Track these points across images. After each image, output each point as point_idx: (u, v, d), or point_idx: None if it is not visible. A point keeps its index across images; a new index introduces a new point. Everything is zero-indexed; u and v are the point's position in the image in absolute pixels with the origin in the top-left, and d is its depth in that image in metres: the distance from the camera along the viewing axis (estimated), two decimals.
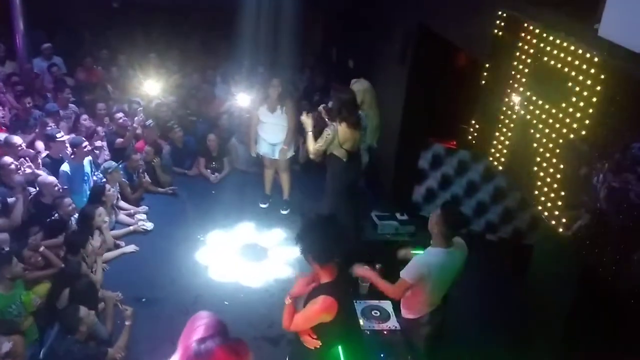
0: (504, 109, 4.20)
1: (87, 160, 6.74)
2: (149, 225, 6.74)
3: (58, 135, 6.69)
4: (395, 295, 3.97)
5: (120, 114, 7.98)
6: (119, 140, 7.66)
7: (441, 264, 3.86)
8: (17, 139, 6.44)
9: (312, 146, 5.73)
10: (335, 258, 3.36)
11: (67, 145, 6.75)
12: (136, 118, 7.74)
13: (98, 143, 7.49)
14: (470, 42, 5.33)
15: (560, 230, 3.42)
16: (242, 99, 8.11)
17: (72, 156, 6.59)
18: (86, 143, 6.66)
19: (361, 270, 4.10)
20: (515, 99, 4.03)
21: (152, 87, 8.65)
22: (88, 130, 7.52)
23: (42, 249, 5.29)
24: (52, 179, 6.08)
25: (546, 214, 3.57)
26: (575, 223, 3.32)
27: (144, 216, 6.90)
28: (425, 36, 6.65)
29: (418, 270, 3.83)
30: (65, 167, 6.45)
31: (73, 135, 7.03)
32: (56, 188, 6.01)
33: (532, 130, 3.80)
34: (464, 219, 4.21)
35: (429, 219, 3.94)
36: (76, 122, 7.55)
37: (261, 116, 6.99)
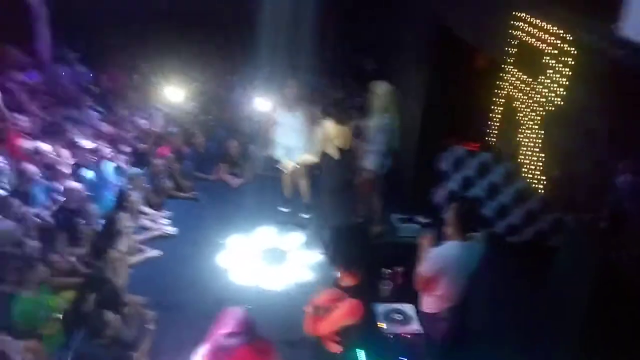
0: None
1: (111, 167, 6.83)
2: (172, 230, 6.81)
3: (82, 142, 6.80)
4: (418, 286, 4.00)
5: (142, 120, 8.09)
6: (142, 145, 7.75)
7: (457, 256, 3.88)
8: (45, 147, 6.56)
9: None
10: (361, 265, 3.43)
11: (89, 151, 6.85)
12: (158, 123, 7.83)
13: (126, 149, 7.61)
14: (490, 42, 5.30)
15: (585, 231, 3.38)
16: (260, 104, 8.16)
17: (95, 162, 6.68)
18: (108, 149, 6.75)
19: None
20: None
21: (173, 93, 8.76)
22: (108, 136, 7.62)
23: (73, 259, 5.36)
24: (77, 185, 6.18)
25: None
26: (600, 224, 3.28)
27: (166, 221, 6.97)
28: (446, 37, 6.62)
29: (435, 262, 3.87)
30: (88, 173, 6.55)
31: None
32: (81, 194, 6.11)
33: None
34: (476, 212, 4.22)
35: (446, 214, 3.98)
36: (97, 129, 7.64)
37: (278, 118, 7.00)
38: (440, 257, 3.89)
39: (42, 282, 4.78)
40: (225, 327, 2.62)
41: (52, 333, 4.65)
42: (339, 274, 3.53)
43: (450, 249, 3.91)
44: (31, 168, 6.03)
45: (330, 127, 5.73)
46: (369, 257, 3.52)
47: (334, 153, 5.79)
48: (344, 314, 3.35)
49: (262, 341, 2.47)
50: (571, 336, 4.12)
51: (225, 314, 2.65)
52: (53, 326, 4.68)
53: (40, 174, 6.20)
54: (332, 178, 5.93)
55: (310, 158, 7.14)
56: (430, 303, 4.09)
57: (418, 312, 4.30)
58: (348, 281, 3.45)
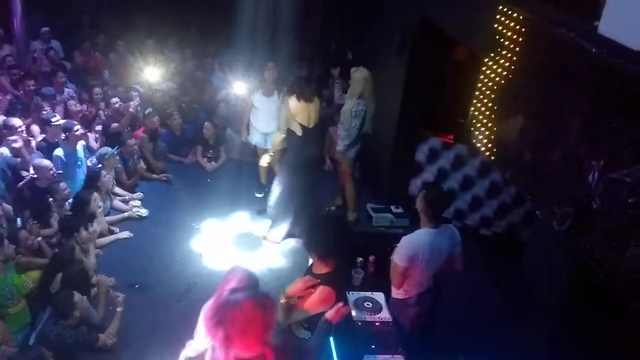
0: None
1: (80, 145, 6.71)
2: (144, 212, 6.73)
3: (53, 119, 6.65)
4: (394, 283, 4.02)
5: (115, 99, 7.94)
6: (114, 125, 7.62)
7: (429, 243, 3.91)
8: (16, 121, 6.40)
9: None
10: (336, 254, 3.48)
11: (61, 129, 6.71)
12: (132, 103, 7.70)
13: (99, 127, 7.48)
14: (471, 35, 5.31)
15: (554, 226, 3.42)
16: (238, 87, 8.08)
17: (65, 140, 6.56)
18: (78, 127, 6.62)
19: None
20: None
21: (150, 73, 8.62)
22: (78, 114, 7.46)
23: (39, 238, 5.27)
24: (47, 162, 6.06)
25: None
26: (569, 219, 3.32)
27: (138, 202, 6.88)
28: (425, 28, 6.61)
29: (407, 250, 3.89)
30: (58, 151, 6.42)
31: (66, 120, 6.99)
32: (51, 172, 6.00)
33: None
34: (444, 195, 4.26)
35: (416, 202, 4.01)
36: (69, 106, 7.48)
37: (255, 102, 6.96)
38: (411, 244, 3.91)
39: (8, 261, 4.69)
40: (230, 283, 2.71)
41: (17, 312, 4.58)
42: (312, 261, 3.55)
43: (421, 235, 3.94)
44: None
45: (293, 104, 5.83)
46: (345, 246, 3.57)
47: (297, 130, 5.88)
48: (317, 301, 3.37)
49: (264, 296, 2.61)
50: (540, 326, 4.19)
51: (230, 272, 2.85)
52: (18, 305, 4.61)
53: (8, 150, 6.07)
54: (294, 155, 6.05)
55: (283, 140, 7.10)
56: (401, 290, 4.10)
57: (388, 299, 4.32)
58: (322, 269, 3.47)
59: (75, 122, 6.74)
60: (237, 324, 2.43)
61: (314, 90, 6.05)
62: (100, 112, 7.73)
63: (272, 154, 6.43)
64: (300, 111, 5.90)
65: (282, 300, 3.46)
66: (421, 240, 3.92)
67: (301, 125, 5.96)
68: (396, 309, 4.19)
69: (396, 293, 4.14)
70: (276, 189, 6.25)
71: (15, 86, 7.56)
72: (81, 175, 6.62)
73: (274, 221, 6.38)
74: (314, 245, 3.49)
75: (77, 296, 4.39)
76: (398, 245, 3.96)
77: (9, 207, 5.58)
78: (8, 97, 7.52)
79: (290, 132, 5.99)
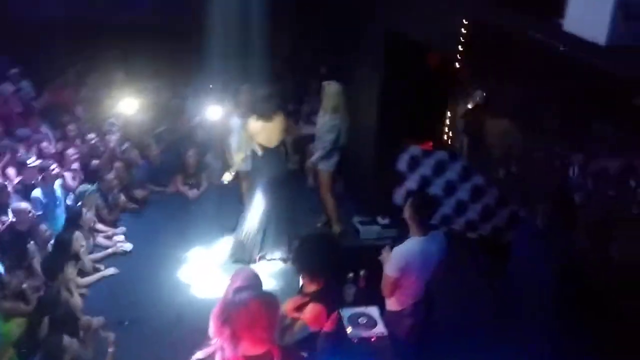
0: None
1: (57, 184, 6.61)
2: (128, 247, 6.63)
3: (29, 161, 6.56)
4: (386, 293, 3.99)
5: (92, 135, 7.85)
6: (95, 161, 7.52)
7: (419, 251, 3.89)
8: None
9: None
10: (327, 272, 3.45)
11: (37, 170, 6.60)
12: (112, 138, 7.61)
13: (76, 165, 7.37)
14: (440, 42, 5.36)
15: (538, 223, 3.44)
16: (212, 112, 8.07)
17: (42, 180, 6.45)
18: (54, 166, 6.51)
19: (384, 255, 4.09)
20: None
21: (124, 105, 8.56)
22: (56, 154, 7.35)
23: (24, 285, 5.15)
24: (25, 205, 5.94)
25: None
26: (552, 216, 3.34)
27: (122, 237, 6.78)
28: (395, 38, 6.66)
29: (399, 261, 3.86)
30: (36, 192, 6.31)
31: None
32: (30, 214, 5.88)
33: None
34: (430, 201, 4.24)
35: (404, 211, 3.98)
36: (44, 146, 7.36)
37: (233, 125, 6.91)
38: (402, 254, 3.89)
39: None
40: (234, 283, 2.81)
41: None
42: (302, 281, 3.51)
43: (411, 245, 3.92)
44: None
45: (252, 124, 5.85)
46: (334, 262, 3.53)
47: (257, 149, 5.91)
48: (308, 319, 3.33)
49: (269, 295, 2.71)
50: (530, 327, 4.19)
51: (235, 273, 2.99)
52: (6, 355, 4.49)
53: None
54: (256, 176, 6.13)
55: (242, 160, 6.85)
56: (394, 301, 4.08)
57: (383, 312, 4.29)
58: (311, 287, 3.44)
59: (51, 162, 6.62)
60: (243, 322, 2.50)
61: (275, 109, 5.95)
62: (69, 150, 7.50)
63: (232, 172, 6.41)
64: (259, 131, 5.84)
65: None
66: (411, 250, 3.90)
67: (261, 145, 5.90)
68: (391, 322, 4.16)
69: (391, 305, 4.11)
70: (250, 212, 6.20)
71: None
72: (61, 214, 6.51)
73: (256, 244, 6.32)
74: (303, 265, 3.47)
75: (66, 339, 4.29)
76: (391, 256, 3.93)
77: None
78: None
79: (253, 153, 5.96)
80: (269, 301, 2.60)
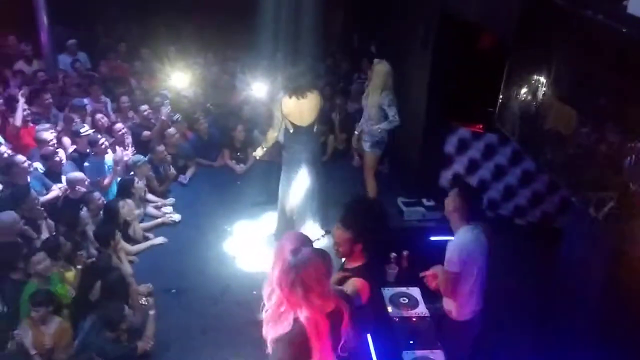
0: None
1: (109, 156, 6.80)
2: (177, 217, 6.80)
3: (82, 130, 6.76)
4: (447, 292, 3.82)
5: (145, 107, 8.04)
6: (146, 132, 7.72)
7: (475, 239, 3.75)
8: (47, 135, 6.51)
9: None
10: (380, 237, 3.36)
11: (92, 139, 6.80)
12: (163, 110, 7.77)
13: (129, 136, 7.57)
14: (495, 23, 5.22)
15: (591, 212, 3.33)
16: (258, 89, 8.12)
17: (93, 153, 6.65)
18: (103, 140, 6.67)
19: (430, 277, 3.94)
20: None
21: (177, 79, 8.73)
22: (110, 124, 7.56)
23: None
24: (80, 174, 6.16)
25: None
26: (607, 205, 3.23)
27: (170, 208, 6.96)
28: (448, 17, 6.53)
29: (460, 253, 3.70)
30: (86, 164, 6.54)
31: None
32: (86, 182, 6.10)
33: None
34: (477, 192, 4.16)
35: (446, 203, 3.83)
36: (94, 118, 7.55)
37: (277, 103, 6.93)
38: (460, 246, 3.71)
39: (51, 272, 4.78)
40: (286, 247, 2.68)
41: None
42: (344, 256, 3.43)
43: (465, 235, 3.76)
44: (19, 159, 5.91)
45: (284, 102, 5.80)
46: (380, 230, 3.36)
47: (289, 126, 5.88)
48: (352, 292, 3.22)
49: (323, 250, 2.74)
50: (580, 317, 4.10)
51: (284, 238, 2.83)
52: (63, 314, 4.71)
53: (41, 164, 6.16)
54: (287, 153, 6.11)
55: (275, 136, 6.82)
56: (461, 308, 3.87)
57: (424, 293, 4.26)
58: (356, 262, 3.36)
59: (100, 136, 6.73)
60: (311, 277, 2.54)
61: (309, 87, 5.85)
62: (118, 124, 7.64)
63: (264, 148, 6.42)
64: (291, 108, 5.78)
65: None
66: (467, 240, 3.74)
67: (292, 123, 5.86)
68: (454, 332, 3.97)
69: (460, 315, 3.91)
70: (293, 190, 6.24)
71: (35, 99, 7.59)
72: (113, 185, 6.70)
73: (299, 221, 6.36)
74: (356, 228, 3.26)
75: (117, 303, 4.46)
76: (446, 253, 3.75)
77: (51, 223, 5.70)
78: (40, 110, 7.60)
79: (286, 130, 5.95)
80: (325, 254, 2.67)
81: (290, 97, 5.77)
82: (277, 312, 2.69)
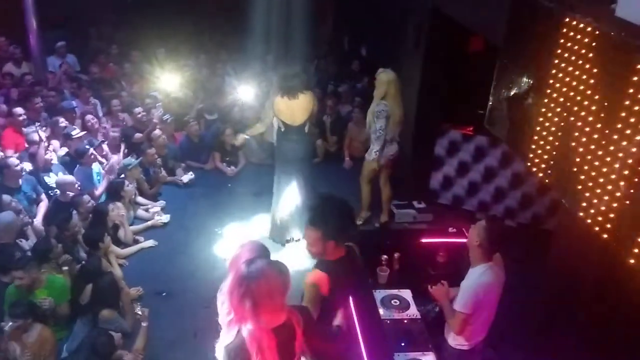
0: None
1: (97, 164, 6.77)
2: (166, 218, 6.77)
3: (73, 132, 6.73)
4: (457, 331, 3.67)
5: (138, 109, 8.00)
6: (138, 135, 7.68)
7: (492, 282, 3.58)
8: (35, 135, 6.47)
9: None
10: (348, 235, 3.36)
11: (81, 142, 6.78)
12: (155, 112, 7.74)
13: (119, 138, 7.53)
14: (485, 26, 5.25)
15: (581, 214, 3.35)
16: (244, 91, 8.15)
17: (85, 161, 6.61)
18: (91, 150, 6.62)
19: (439, 291, 3.81)
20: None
21: (167, 81, 8.71)
22: (96, 132, 7.50)
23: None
24: (71, 178, 6.14)
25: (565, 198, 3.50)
26: (595, 206, 3.25)
27: (159, 209, 6.93)
28: (439, 20, 6.56)
29: (474, 297, 3.54)
30: (78, 169, 6.51)
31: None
32: (76, 186, 6.07)
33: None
34: (507, 232, 4.00)
35: (470, 234, 3.62)
36: (84, 120, 7.50)
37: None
38: (478, 289, 3.55)
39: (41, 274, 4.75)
40: (242, 257, 2.70)
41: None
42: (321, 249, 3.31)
43: (485, 276, 3.56)
44: (12, 161, 5.90)
45: (277, 101, 5.93)
46: (353, 228, 3.47)
47: (280, 125, 6.00)
48: (309, 281, 3.23)
49: (278, 262, 2.65)
50: (569, 318, 4.12)
51: (240, 247, 2.85)
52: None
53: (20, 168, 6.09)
54: (278, 152, 6.24)
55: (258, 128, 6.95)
56: (459, 338, 3.76)
57: (415, 297, 4.27)
58: (328, 256, 3.30)
59: (88, 147, 6.67)
60: (262, 291, 2.46)
61: (301, 88, 5.94)
62: (107, 126, 7.60)
63: (247, 135, 6.62)
64: (283, 108, 5.91)
65: None
66: (485, 282, 3.55)
67: (284, 122, 5.96)
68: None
69: (458, 344, 3.78)
70: (285, 193, 6.26)
71: (25, 103, 7.54)
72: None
73: (290, 224, 6.37)
74: (324, 225, 3.23)
75: (116, 337, 4.37)
76: (461, 291, 3.62)
77: (40, 227, 5.67)
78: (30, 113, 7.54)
79: (278, 130, 6.07)
80: (282, 267, 2.58)
81: (282, 96, 5.89)
82: (226, 320, 2.64)
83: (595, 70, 3.22)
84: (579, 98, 3.40)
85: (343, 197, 3.42)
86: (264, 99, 7.57)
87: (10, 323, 4.20)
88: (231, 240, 6.53)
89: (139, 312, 4.68)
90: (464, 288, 3.59)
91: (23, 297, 4.55)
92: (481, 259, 3.57)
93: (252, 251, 2.73)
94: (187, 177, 7.67)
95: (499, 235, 3.59)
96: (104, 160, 7.14)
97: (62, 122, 7.13)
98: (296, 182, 6.17)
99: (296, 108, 5.91)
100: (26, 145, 6.63)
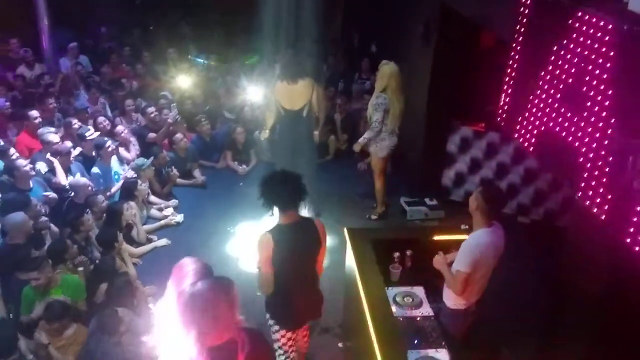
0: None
1: (114, 160, 6.82)
2: (179, 218, 6.82)
3: (87, 133, 6.78)
4: (457, 291, 3.84)
5: (152, 109, 8.05)
6: (152, 135, 7.73)
7: (490, 243, 3.77)
8: (52, 137, 6.54)
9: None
10: (294, 205, 3.70)
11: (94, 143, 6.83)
12: (169, 112, 7.79)
13: (133, 139, 7.59)
14: (495, 21, 5.23)
15: (595, 210, 3.34)
16: (253, 92, 8.23)
17: (98, 157, 6.67)
18: (109, 143, 6.72)
19: (437, 260, 4.00)
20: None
21: (180, 80, 8.77)
22: (113, 127, 7.56)
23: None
24: (84, 180, 6.18)
25: (580, 193, 3.49)
26: (609, 203, 3.24)
27: (171, 209, 6.97)
28: (449, 16, 6.53)
29: (471, 256, 3.73)
30: (95, 169, 6.57)
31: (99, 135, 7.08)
32: (89, 188, 6.11)
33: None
34: (503, 195, 4.16)
35: (470, 201, 3.82)
36: (96, 121, 7.57)
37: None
38: (472, 248, 3.75)
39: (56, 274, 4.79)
40: (186, 279, 2.59)
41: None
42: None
43: (481, 237, 3.77)
44: (20, 163, 5.92)
45: (277, 86, 6.17)
46: (300, 194, 3.68)
47: (280, 109, 6.25)
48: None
49: (223, 279, 2.54)
50: (583, 315, 4.09)
51: (180, 268, 2.70)
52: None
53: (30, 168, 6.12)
54: (279, 135, 6.50)
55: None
56: (458, 299, 3.93)
57: (428, 294, 4.27)
58: (285, 220, 3.73)
59: (107, 139, 6.79)
60: (207, 314, 2.36)
61: (302, 74, 6.17)
62: (120, 127, 7.65)
63: (267, 130, 6.69)
64: (283, 93, 6.14)
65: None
66: (482, 242, 3.76)
67: (283, 107, 6.19)
68: (453, 321, 4.02)
69: (455, 304, 3.97)
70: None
71: (40, 104, 7.60)
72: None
73: None
74: (272, 200, 3.66)
75: (121, 311, 4.44)
76: (459, 253, 3.81)
77: (55, 230, 5.72)
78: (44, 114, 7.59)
79: (277, 114, 6.29)
80: (225, 285, 2.47)
81: (282, 82, 6.14)
82: (165, 334, 2.58)
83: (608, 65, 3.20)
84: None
85: (295, 174, 3.72)
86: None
87: (43, 334, 4.30)
88: (243, 238, 6.55)
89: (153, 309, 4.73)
90: (463, 249, 3.77)
91: (39, 297, 4.61)
92: (481, 223, 3.77)
93: (196, 274, 2.64)
94: (201, 178, 7.79)
95: (494, 195, 3.81)
96: (127, 154, 7.20)
97: (76, 123, 7.17)
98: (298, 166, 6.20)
99: (295, 93, 6.15)
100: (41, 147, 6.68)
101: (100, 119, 7.55)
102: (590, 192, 3.37)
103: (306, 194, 3.72)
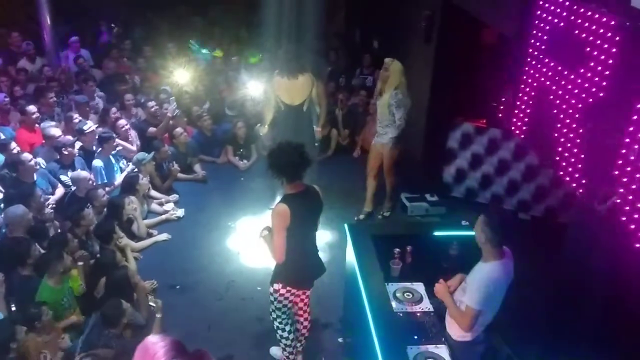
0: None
1: (117, 151, 6.82)
2: (180, 212, 6.81)
3: (86, 127, 6.77)
4: (466, 328, 3.57)
5: (152, 103, 8.03)
6: (152, 129, 7.72)
7: (502, 277, 3.50)
8: (54, 131, 6.53)
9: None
10: (301, 176, 3.89)
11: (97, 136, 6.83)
12: (169, 107, 7.78)
13: (133, 133, 7.58)
14: (498, 18, 5.21)
15: (595, 205, 3.33)
16: (254, 87, 8.22)
17: (100, 151, 6.68)
18: (114, 137, 6.71)
19: (440, 289, 3.76)
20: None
21: (180, 75, 8.75)
22: (114, 121, 7.52)
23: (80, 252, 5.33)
24: (85, 173, 6.18)
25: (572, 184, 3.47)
26: (610, 199, 3.24)
27: (172, 204, 6.97)
28: (451, 12, 6.52)
29: (486, 292, 3.45)
30: (97, 162, 6.56)
31: (101, 129, 7.08)
32: (90, 182, 6.12)
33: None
34: (506, 214, 3.99)
35: (476, 233, 3.52)
36: (104, 114, 7.57)
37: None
38: (486, 285, 3.45)
39: (66, 271, 4.77)
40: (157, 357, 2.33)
41: (73, 321, 4.68)
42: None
43: (494, 272, 3.47)
44: (26, 157, 5.93)
45: (276, 80, 6.14)
46: (305, 169, 3.87)
47: (279, 103, 6.22)
48: (273, 213, 3.87)
49: (197, 354, 2.21)
50: (585, 312, 4.09)
51: (145, 350, 2.35)
52: (75, 314, 4.72)
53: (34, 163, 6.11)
54: (277, 130, 6.42)
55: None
56: (468, 334, 3.66)
57: (428, 290, 4.26)
58: (288, 190, 3.94)
59: (113, 134, 6.80)
60: None
61: (302, 69, 6.13)
62: (122, 121, 7.62)
63: (266, 125, 6.65)
64: (282, 87, 6.10)
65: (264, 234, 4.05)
66: (496, 277, 3.47)
67: (283, 102, 6.16)
68: (462, 353, 3.77)
69: (462, 336, 3.69)
70: None
71: (40, 98, 7.57)
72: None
73: None
74: (281, 172, 3.84)
75: (125, 304, 4.43)
76: (470, 286, 3.52)
77: (57, 224, 5.72)
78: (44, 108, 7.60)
79: (277, 108, 6.26)
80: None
81: (282, 76, 6.11)
82: None
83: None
84: None
85: (297, 144, 3.88)
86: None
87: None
88: (244, 233, 6.55)
89: (153, 304, 4.71)
90: (476, 284, 3.49)
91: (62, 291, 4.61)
92: (493, 255, 3.48)
93: (167, 352, 2.37)
94: (202, 172, 7.73)
95: (500, 222, 3.52)
96: (129, 146, 7.25)
97: (76, 117, 7.17)
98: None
99: (295, 88, 6.12)
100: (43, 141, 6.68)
101: (113, 109, 7.59)
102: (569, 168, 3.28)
103: (310, 163, 3.91)
